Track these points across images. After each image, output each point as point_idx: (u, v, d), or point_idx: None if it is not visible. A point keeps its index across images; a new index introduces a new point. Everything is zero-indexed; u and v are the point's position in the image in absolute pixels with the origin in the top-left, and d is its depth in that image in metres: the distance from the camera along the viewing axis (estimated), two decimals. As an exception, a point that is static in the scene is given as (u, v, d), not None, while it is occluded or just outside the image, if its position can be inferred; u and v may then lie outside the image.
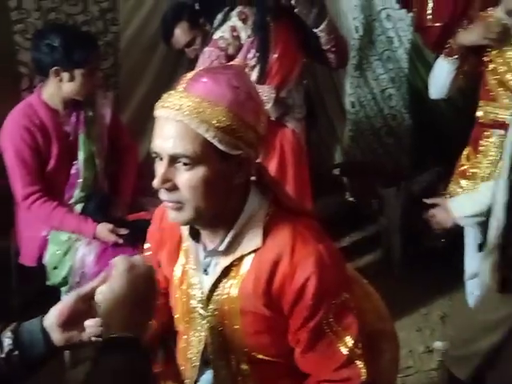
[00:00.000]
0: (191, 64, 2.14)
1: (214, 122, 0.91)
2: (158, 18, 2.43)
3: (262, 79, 1.89)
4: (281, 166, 1.95)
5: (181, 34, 2.29)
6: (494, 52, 1.78)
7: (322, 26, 1.91)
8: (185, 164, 0.92)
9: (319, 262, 0.95)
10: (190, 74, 0.97)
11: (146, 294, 0.82)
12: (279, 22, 1.92)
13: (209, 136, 0.91)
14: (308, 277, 0.95)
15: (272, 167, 1.92)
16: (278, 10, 1.90)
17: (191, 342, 1.10)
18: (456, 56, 1.80)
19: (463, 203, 1.59)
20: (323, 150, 3.24)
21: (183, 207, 0.94)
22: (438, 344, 2.13)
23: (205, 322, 1.06)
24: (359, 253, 2.73)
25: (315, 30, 1.93)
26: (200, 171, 0.92)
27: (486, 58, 1.80)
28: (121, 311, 0.79)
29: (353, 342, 0.98)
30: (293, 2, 1.84)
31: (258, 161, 1.03)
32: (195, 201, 0.93)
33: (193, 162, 0.91)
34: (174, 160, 0.93)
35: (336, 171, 3.19)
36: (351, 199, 3.01)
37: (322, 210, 2.60)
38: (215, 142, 0.91)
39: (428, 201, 1.69)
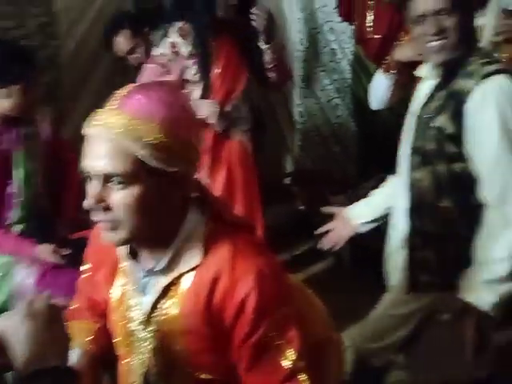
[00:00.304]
0: (137, 75, 2.13)
1: (147, 139, 0.89)
2: (100, 30, 2.40)
3: (205, 94, 1.90)
4: (229, 179, 1.95)
5: (122, 41, 2.30)
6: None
7: (272, 43, 1.95)
8: (118, 183, 0.90)
9: (259, 278, 0.95)
10: (121, 91, 0.95)
11: (44, 329, 0.79)
12: (221, 37, 1.93)
13: (142, 154, 0.89)
14: (248, 292, 0.94)
15: (220, 180, 1.92)
16: (218, 24, 1.91)
17: (133, 366, 1.07)
18: (393, 71, 1.86)
19: (361, 210, 1.59)
20: (274, 159, 3.27)
21: (118, 227, 0.92)
22: None
23: (146, 344, 1.03)
24: (311, 260, 2.75)
25: (264, 47, 1.96)
26: (134, 190, 0.90)
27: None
28: (23, 350, 0.76)
29: (295, 355, 0.98)
30: (252, 16, 1.86)
31: (199, 177, 1.03)
32: (130, 220, 0.92)
33: (126, 181, 0.90)
34: (106, 179, 0.91)
35: (287, 180, 3.23)
36: (302, 207, 3.04)
37: (273, 220, 2.62)
38: (149, 160, 0.90)
39: (324, 209, 1.66)
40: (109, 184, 0.91)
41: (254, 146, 2.08)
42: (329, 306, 1.23)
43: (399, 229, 1.42)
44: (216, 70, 1.91)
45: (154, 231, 0.96)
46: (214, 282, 0.96)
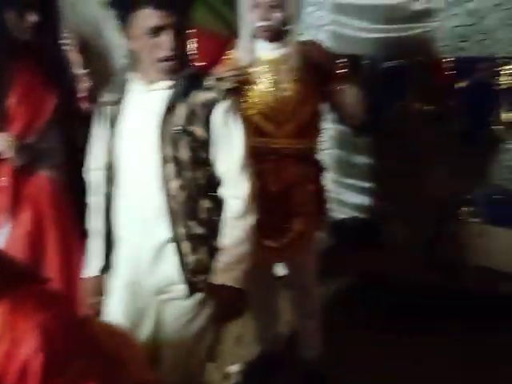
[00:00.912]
0: None
1: None
2: None
3: (0, 126, 1.70)
4: (36, 218, 1.77)
5: None
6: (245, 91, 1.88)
7: (89, 70, 1.88)
8: None
9: (44, 335, 0.85)
10: None
11: None
12: (19, 62, 1.74)
13: None
14: (32, 353, 0.84)
15: (26, 220, 1.74)
16: (14, 48, 1.72)
17: None
18: None
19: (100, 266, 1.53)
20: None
21: None
22: (233, 368, 2.12)
23: None
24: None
25: (80, 73, 1.84)
26: None
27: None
28: None
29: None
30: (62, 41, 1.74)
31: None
32: None
33: None
34: None
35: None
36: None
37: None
38: None
39: None
40: None
41: (70, 181, 1.89)
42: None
43: (152, 242, 1.41)
44: (13, 99, 1.72)
45: None
46: (-8, 347, 0.83)
